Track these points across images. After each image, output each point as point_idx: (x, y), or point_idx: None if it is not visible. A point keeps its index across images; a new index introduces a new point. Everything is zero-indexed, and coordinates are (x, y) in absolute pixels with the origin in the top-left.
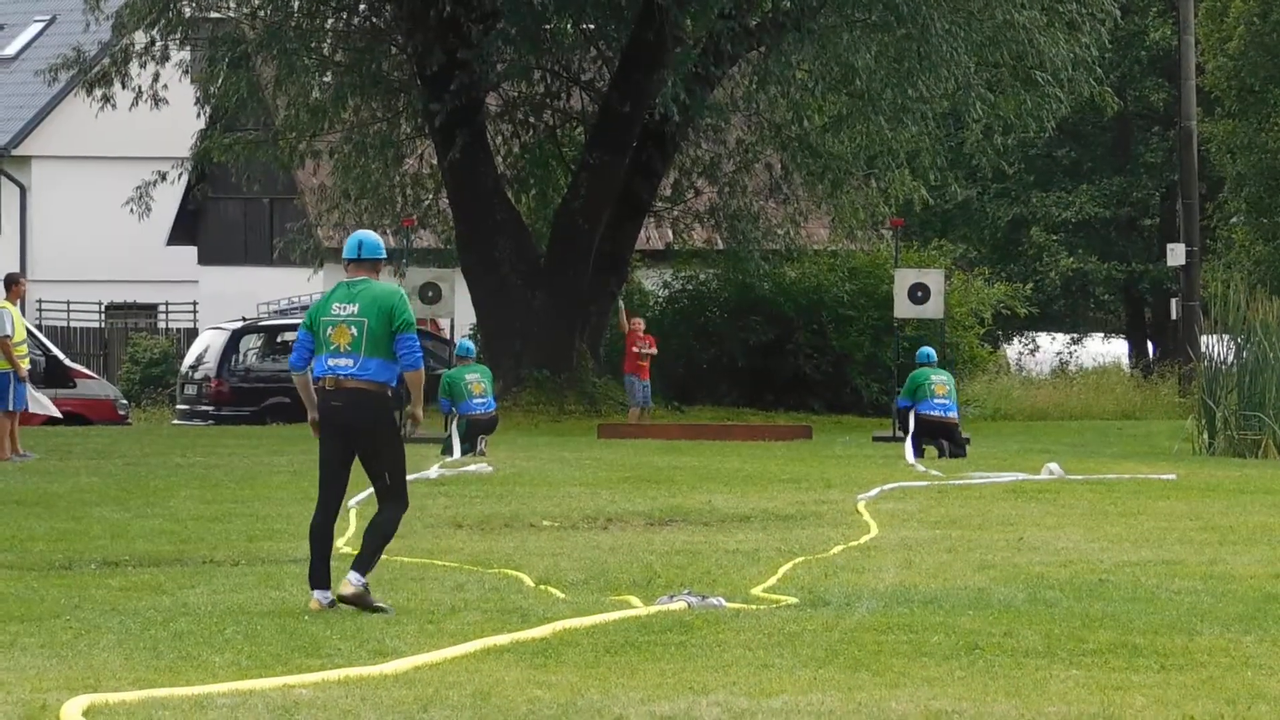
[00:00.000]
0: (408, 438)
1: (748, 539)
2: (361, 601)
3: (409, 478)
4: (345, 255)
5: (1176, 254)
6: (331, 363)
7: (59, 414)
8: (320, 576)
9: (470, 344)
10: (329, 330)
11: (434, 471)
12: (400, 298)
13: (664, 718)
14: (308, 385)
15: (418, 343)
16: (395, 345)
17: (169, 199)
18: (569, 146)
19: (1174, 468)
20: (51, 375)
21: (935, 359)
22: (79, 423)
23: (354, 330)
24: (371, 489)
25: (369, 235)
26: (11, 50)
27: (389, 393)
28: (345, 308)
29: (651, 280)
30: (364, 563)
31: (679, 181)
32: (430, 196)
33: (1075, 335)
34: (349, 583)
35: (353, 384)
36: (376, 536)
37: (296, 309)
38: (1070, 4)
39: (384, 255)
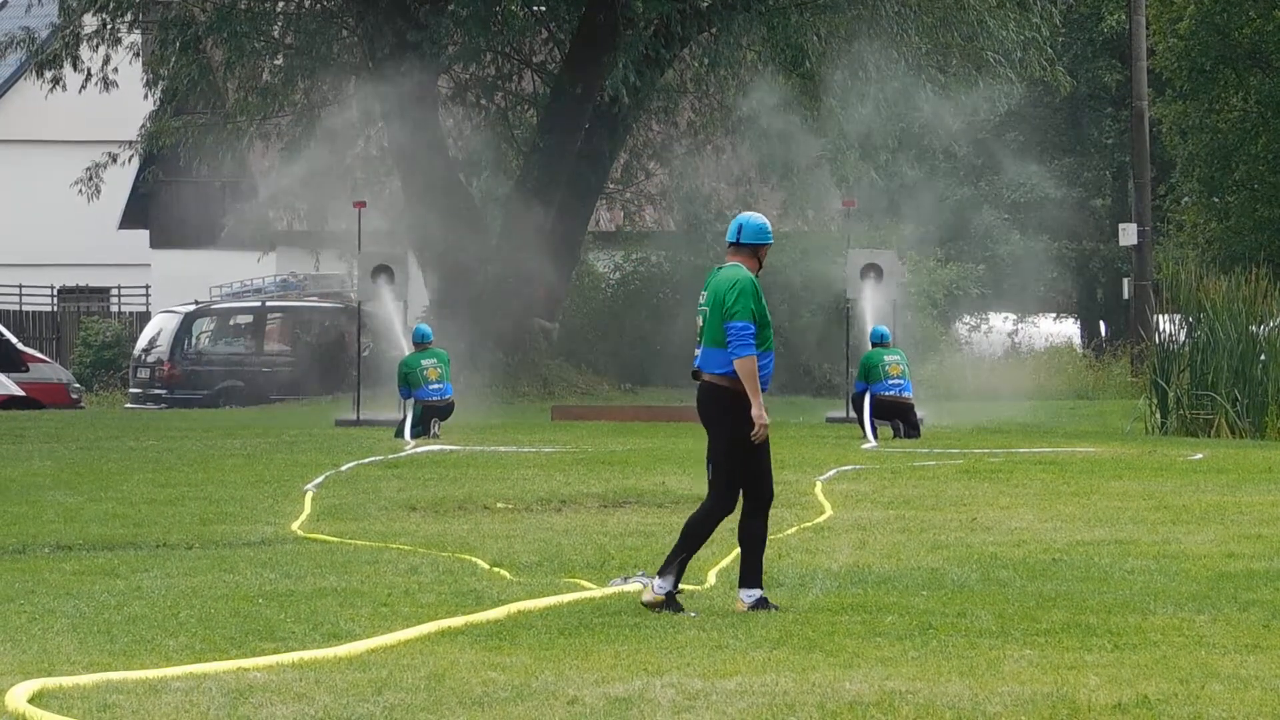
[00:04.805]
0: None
1: None
2: (659, 607)
3: (368, 460)
4: (727, 238)
5: (1128, 234)
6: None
7: (21, 391)
8: (747, 576)
9: (428, 328)
10: (697, 319)
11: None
12: (732, 285)
13: (618, 699)
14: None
15: (747, 332)
16: (725, 333)
17: (121, 183)
18: (520, 129)
19: (1126, 448)
20: (4, 359)
21: (890, 338)
22: (32, 407)
23: (700, 320)
24: (325, 475)
25: (752, 218)
26: None
27: (736, 388)
28: (703, 295)
29: (604, 262)
30: (669, 564)
31: (630, 163)
32: (382, 179)
33: (1020, 316)
34: (652, 589)
35: (702, 376)
36: (687, 531)
37: (249, 292)
38: None
39: (767, 240)
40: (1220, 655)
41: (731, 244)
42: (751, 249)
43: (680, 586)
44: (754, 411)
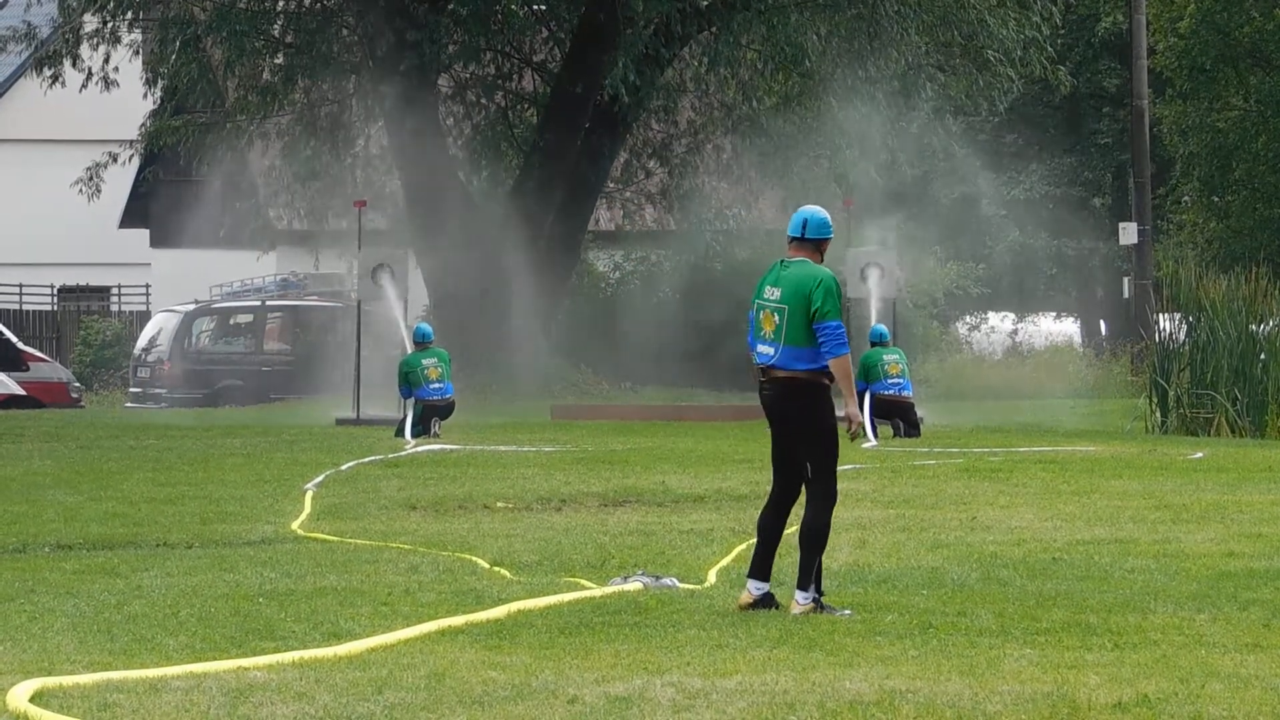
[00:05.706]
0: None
1: (701, 519)
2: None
3: (368, 460)
4: (789, 232)
5: (1128, 233)
6: (760, 349)
7: (21, 391)
8: (757, 567)
9: (428, 328)
10: (760, 315)
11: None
12: (818, 283)
13: (618, 698)
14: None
15: (840, 330)
16: (816, 334)
17: (121, 182)
18: (520, 128)
19: (1126, 447)
20: (4, 358)
21: (888, 337)
22: (32, 406)
23: (776, 317)
24: (325, 475)
25: (816, 212)
26: None
27: (819, 380)
28: (773, 291)
29: (603, 261)
30: (804, 576)
31: (630, 162)
32: (382, 178)
33: (1020, 315)
34: (796, 603)
35: (779, 374)
36: (806, 541)
37: (249, 291)
38: None
39: (829, 235)
40: (1220, 654)
41: (795, 238)
42: (814, 244)
43: (682, 585)
44: (850, 409)
